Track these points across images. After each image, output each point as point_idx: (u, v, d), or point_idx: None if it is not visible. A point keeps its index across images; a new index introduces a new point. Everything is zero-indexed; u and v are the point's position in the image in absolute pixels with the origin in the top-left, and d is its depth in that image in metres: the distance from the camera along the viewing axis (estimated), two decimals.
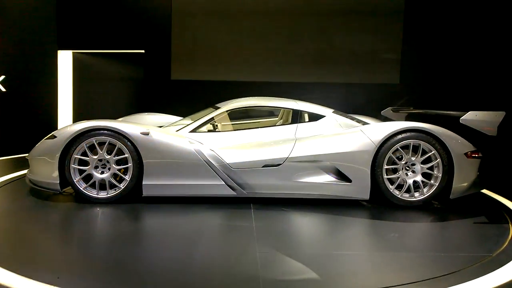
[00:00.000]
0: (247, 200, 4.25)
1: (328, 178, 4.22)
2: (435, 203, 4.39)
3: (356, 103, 6.44)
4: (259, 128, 4.49)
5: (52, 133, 4.16)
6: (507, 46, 5.95)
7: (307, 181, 4.20)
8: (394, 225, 3.78)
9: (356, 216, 3.99)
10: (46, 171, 4.06)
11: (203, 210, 4.00)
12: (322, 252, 3.09)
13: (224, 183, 4.13)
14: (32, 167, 4.20)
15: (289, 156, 4.18)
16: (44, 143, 4.13)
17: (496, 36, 6.03)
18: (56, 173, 4.02)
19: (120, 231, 3.50)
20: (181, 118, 5.34)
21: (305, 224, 3.82)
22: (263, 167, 4.17)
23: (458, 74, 6.54)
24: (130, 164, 4.04)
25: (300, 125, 4.49)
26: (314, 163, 4.21)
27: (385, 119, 5.87)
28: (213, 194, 4.18)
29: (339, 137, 4.29)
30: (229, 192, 4.15)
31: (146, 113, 5.89)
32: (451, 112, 4.63)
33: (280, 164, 4.17)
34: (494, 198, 4.79)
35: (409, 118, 5.84)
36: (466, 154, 4.20)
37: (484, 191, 4.96)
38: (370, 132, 4.22)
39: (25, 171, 4.71)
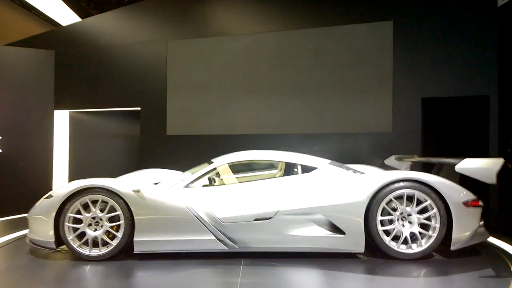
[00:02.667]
0: (239, 255, 4.19)
1: (320, 230, 4.13)
2: (435, 255, 4.19)
3: (351, 153, 6.40)
4: (251, 182, 4.49)
5: (50, 192, 4.32)
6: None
7: (299, 234, 4.12)
8: (390, 280, 3.61)
9: (350, 271, 3.83)
10: (43, 230, 4.17)
11: (193, 266, 3.97)
12: None
13: (215, 238, 4.11)
14: (31, 226, 4.33)
15: (280, 209, 4.14)
16: (41, 203, 4.27)
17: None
18: (51, 232, 4.12)
19: None
20: (181, 172, 5.43)
21: (294, 280, 3.70)
22: (254, 220, 4.14)
23: (450, 121, 6.54)
24: (122, 221, 4.11)
25: (292, 177, 4.47)
26: (306, 216, 4.15)
27: (388, 168, 5.77)
28: (204, 249, 4.15)
29: (330, 188, 4.24)
30: (221, 247, 4.12)
31: (150, 169, 6.03)
32: (451, 160, 4.51)
33: (271, 218, 4.13)
34: (500, 248, 4.53)
35: (413, 166, 5.73)
36: (464, 203, 4.05)
37: (492, 239, 4.73)
38: (362, 183, 4.16)
39: (25, 231, 4.85)
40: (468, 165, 4.16)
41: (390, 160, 5.83)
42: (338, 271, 3.82)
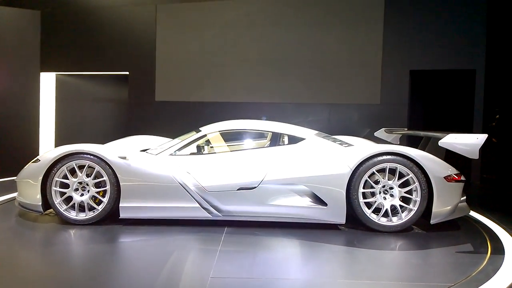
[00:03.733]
0: (223, 223, 4.28)
1: (303, 201, 4.19)
2: (415, 228, 4.26)
3: (339, 123, 6.44)
4: (237, 151, 4.53)
5: (37, 157, 4.37)
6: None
7: (282, 204, 4.18)
8: (366, 252, 3.69)
9: (329, 242, 3.89)
10: (31, 194, 4.24)
11: (176, 233, 4.06)
12: (277, 278, 3.06)
13: (199, 205, 4.18)
14: (19, 189, 4.40)
15: (264, 179, 4.19)
16: (29, 167, 4.33)
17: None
18: (39, 195, 4.19)
19: (91, 253, 3.61)
20: (169, 139, 5.45)
21: (273, 250, 3.77)
22: (238, 190, 4.19)
23: (437, 93, 6.56)
24: (108, 187, 4.17)
25: (277, 147, 4.50)
26: (289, 186, 4.20)
27: (378, 139, 5.79)
28: (188, 217, 4.23)
29: (314, 160, 4.27)
30: (205, 215, 4.19)
31: (140, 136, 6.03)
32: (439, 134, 4.50)
33: (255, 187, 4.19)
34: (481, 222, 4.60)
35: (403, 138, 5.74)
36: (446, 177, 4.08)
37: (474, 214, 4.79)
38: (346, 155, 4.18)
39: (13, 194, 4.93)
40: (451, 140, 4.16)
41: (380, 133, 5.83)
42: (317, 241, 3.89)
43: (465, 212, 4.29)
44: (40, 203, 4.20)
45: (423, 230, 4.24)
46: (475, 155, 4.14)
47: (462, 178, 4.19)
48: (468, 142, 4.14)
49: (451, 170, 4.14)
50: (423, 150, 4.62)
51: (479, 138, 4.12)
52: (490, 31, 5.78)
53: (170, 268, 3.20)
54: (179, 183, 4.18)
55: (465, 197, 4.32)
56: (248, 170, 4.26)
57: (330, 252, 3.70)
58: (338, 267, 3.46)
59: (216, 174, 4.27)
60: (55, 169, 4.18)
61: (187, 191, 4.18)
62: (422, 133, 5.08)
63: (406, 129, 5.84)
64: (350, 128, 6.32)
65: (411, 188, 4.09)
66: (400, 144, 5.58)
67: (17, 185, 4.42)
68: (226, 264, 3.27)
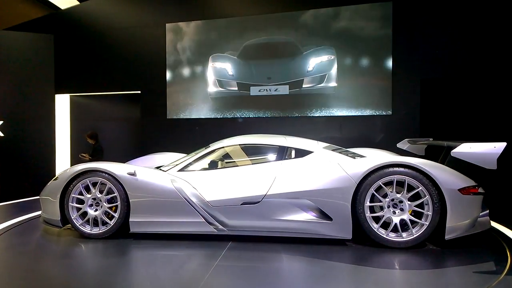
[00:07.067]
0: (228, 238, 4.28)
1: (308, 216, 4.09)
2: (429, 245, 3.99)
3: (351, 136, 6.22)
4: (241, 166, 4.52)
5: (57, 175, 4.66)
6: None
7: (287, 219, 4.11)
8: (370, 270, 3.48)
9: (331, 258, 3.72)
10: (51, 210, 4.53)
11: (180, 248, 4.10)
12: None
13: (204, 220, 4.22)
14: (42, 206, 4.70)
15: (267, 194, 4.15)
16: (50, 184, 4.63)
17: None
18: (58, 211, 4.46)
19: (96, 266, 3.76)
20: (184, 155, 5.57)
21: (270, 267, 3.66)
22: (241, 204, 4.18)
23: (450, 103, 6.20)
24: (118, 202, 4.35)
25: (282, 161, 4.43)
26: (293, 200, 4.12)
27: (401, 151, 5.52)
28: (195, 231, 4.28)
29: (319, 173, 4.16)
30: (210, 229, 4.23)
31: (162, 153, 6.22)
32: (459, 143, 4.22)
33: (259, 202, 4.16)
34: (505, 234, 4.22)
35: (428, 149, 5.44)
36: (461, 190, 3.80)
37: (498, 225, 4.41)
38: (350, 168, 4.04)
39: (38, 212, 5.24)
40: (466, 150, 3.89)
41: (403, 143, 5.57)
42: (318, 257, 3.74)
43: (485, 227, 3.96)
44: (59, 218, 4.47)
45: (438, 246, 3.96)
46: (493, 165, 3.82)
47: (480, 190, 3.88)
48: (485, 152, 3.84)
49: (467, 182, 3.85)
50: (445, 160, 4.36)
51: (496, 147, 3.81)
52: (499, 37, 5.42)
53: (159, 284, 3.25)
54: (185, 198, 4.25)
55: (487, 211, 4.00)
56: (251, 184, 4.25)
57: (329, 269, 3.53)
58: (336, 285, 3.31)
59: (220, 189, 4.29)
60: (71, 186, 4.43)
61: (193, 206, 4.24)
62: (445, 143, 4.78)
63: (431, 139, 5.52)
64: (363, 140, 6.11)
65: (422, 202, 3.86)
66: (425, 155, 5.32)
67: (40, 202, 4.73)
68: (216, 280, 3.25)
